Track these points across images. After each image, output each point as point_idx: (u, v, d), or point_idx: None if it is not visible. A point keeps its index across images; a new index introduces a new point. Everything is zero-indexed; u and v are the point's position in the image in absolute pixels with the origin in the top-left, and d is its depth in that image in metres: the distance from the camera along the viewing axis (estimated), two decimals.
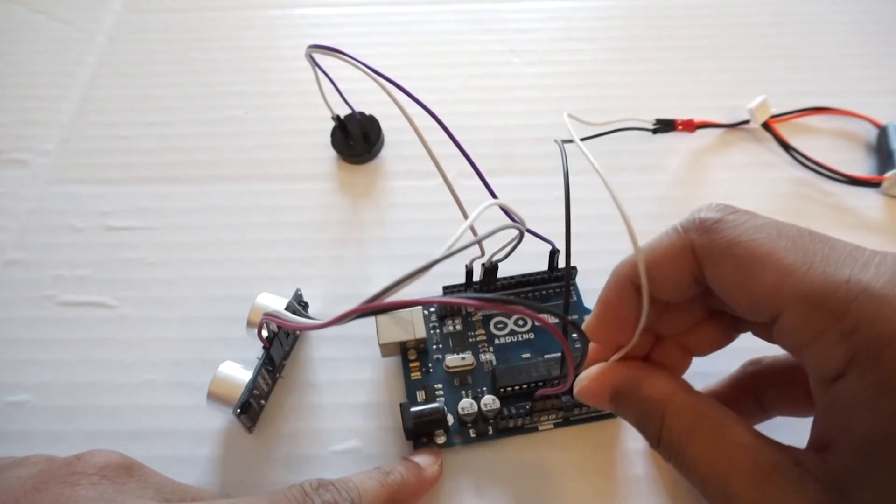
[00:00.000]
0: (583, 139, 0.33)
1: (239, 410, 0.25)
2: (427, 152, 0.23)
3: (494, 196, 0.25)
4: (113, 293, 0.31)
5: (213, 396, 0.25)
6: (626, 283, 0.21)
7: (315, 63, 0.28)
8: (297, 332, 0.29)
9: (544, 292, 0.29)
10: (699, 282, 0.20)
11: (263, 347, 0.26)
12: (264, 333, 0.25)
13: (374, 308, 0.17)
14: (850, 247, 0.18)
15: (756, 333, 0.22)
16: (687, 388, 0.21)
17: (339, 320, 0.17)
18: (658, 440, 0.20)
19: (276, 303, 0.27)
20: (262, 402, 0.27)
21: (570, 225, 0.21)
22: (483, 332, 0.28)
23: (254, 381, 0.25)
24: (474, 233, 0.24)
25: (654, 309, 0.21)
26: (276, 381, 0.28)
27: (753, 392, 0.24)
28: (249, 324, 0.27)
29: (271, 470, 0.26)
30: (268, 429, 0.27)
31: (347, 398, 0.28)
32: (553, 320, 0.21)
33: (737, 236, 0.18)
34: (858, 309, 0.16)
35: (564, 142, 0.24)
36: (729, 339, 0.23)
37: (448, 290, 0.29)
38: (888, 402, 0.16)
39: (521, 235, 0.23)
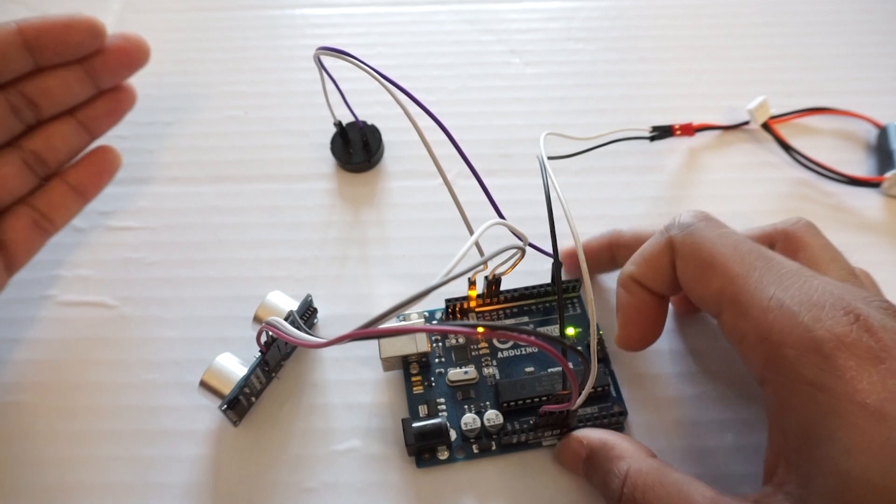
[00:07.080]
0: (579, 153, 0.33)
1: (225, 406, 0.25)
2: (429, 154, 0.23)
3: (492, 200, 0.25)
4: (113, 293, 0.31)
5: (206, 385, 0.25)
6: (633, 286, 0.24)
7: (322, 66, 0.28)
8: None
9: (548, 304, 0.29)
10: None
11: (260, 351, 0.26)
12: (263, 339, 0.25)
13: (369, 334, 0.18)
14: (786, 268, 0.20)
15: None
16: (649, 452, 0.22)
17: (336, 342, 0.18)
18: (619, 497, 0.21)
19: (286, 303, 0.27)
20: (253, 399, 0.27)
21: (556, 246, 0.22)
22: (486, 344, 0.28)
23: (246, 379, 0.25)
24: (480, 251, 0.23)
25: (657, 304, 0.24)
26: (272, 380, 0.28)
27: (611, 251, 0.28)
28: (256, 320, 0.27)
29: (272, 470, 0.26)
30: (268, 429, 0.27)
31: (348, 398, 0.28)
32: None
33: (701, 242, 0.21)
34: (773, 319, 0.19)
35: (550, 158, 0.25)
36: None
37: (450, 301, 0.28)
38: (797, 400, 0.18)
39: (523, 252, 0.23)
